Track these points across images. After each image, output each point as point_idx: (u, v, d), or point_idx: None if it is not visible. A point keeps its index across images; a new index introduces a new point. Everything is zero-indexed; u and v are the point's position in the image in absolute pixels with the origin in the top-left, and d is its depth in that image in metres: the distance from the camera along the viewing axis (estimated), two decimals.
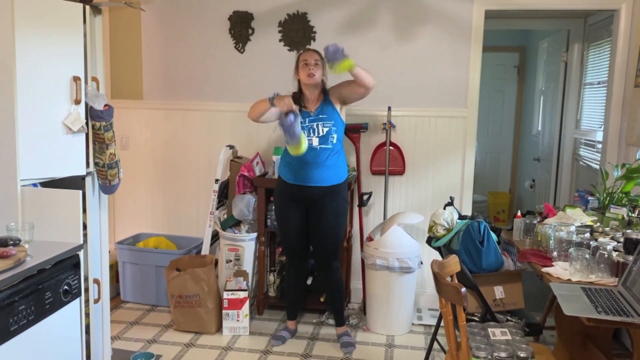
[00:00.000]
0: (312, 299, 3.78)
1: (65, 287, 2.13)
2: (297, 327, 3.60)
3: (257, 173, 3.82)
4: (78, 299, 2.24)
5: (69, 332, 2.20)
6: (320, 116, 3.20)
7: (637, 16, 3.50)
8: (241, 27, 3.97)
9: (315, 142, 3.17)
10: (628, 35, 3.59)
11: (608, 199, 3.00)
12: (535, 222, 2.87)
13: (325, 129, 3.19)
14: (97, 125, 2.52)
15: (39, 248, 2.09)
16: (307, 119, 3.19)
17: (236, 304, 3.50)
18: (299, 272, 3.51)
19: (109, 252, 2.99)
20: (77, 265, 2.23)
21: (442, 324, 2.58)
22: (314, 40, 3.90)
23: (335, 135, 3.21)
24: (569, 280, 2.28)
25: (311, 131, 3.18)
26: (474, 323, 2.46)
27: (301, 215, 3.32)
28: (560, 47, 4.89)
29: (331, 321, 3.69)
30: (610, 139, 3.69)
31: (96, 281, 2.67)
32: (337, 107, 3.25)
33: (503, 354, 2.11)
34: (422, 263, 3.64)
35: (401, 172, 3.91)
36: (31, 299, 1.94)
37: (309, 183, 3.20)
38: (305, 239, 3.39)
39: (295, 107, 3.02)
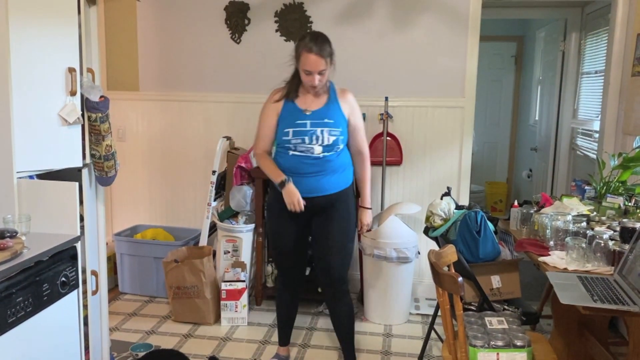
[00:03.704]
0: (309, 290, 3.77)
1: (63, 278, 2.13)
2: (290, 353, 3.17)
3: (254, 164, 3.81)
4: (76, 291, 2.24)
5: (67, 323, 2.21)
6: (326, 120, 2.66)
7: (634, 5, 3.49)
8: (237, 17, 3.95)
9: (318, 150, 2.64)
10: (625, 24, 3.58)
11: (605, 188, 3.01)
12: (532, 211, 2.88)
13: (332, 138, 2.65)
14: (93, 117, 2.51)
15: (36, 240, 2.09)
16: (308, 121, 2.65)
17: (234, 295, 3.51)
18: (293, 297, 3.01)
19: (107, 243, 2.99)
20: (74, 257, 2.22)
21: (439, 313, 2.59)
22: (311, 30, 3.88)
23: (341, 145, 2.72)
24: (565, 269, 2.29)
25: (314, 138, 2.64)
26: (471, 312, 2.47)
27: (300, 229, 2.82)
28: (558, 37, 4.89)
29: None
30: (607, 128, 3.70)
31: (94, 273, 2.67)
32: (346, 112, 2.74)
33: (500, 343, 2.12)
34: (419, 253, 3.65)
35: (398, 163, 3.91)
36: (29, 290, 1.94)
37: (311, 194, 2.69)
38: (302, 257, 2.94)
39: (302, 208, 2.63)
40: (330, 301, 2.92)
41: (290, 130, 2.67)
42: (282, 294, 3.02)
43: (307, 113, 2.68)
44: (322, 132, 2.65)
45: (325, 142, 2.65)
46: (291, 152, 2.68)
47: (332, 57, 2.65)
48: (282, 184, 2.66)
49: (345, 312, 2.91)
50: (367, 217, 2.92)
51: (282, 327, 3.10)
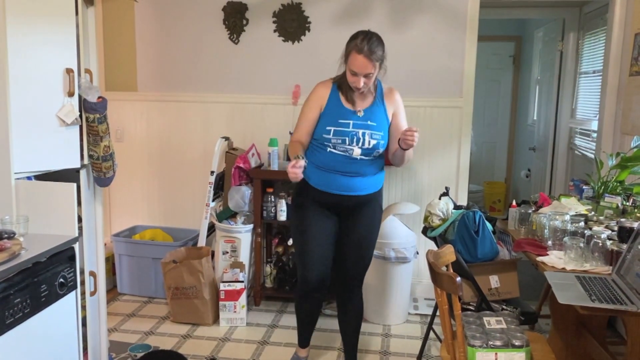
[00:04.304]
0: None
1: (61, 279, 2.13)
2: (310, 353, 3.07)
3: (253, 164, 3.81)
4: (74, 292, 2.24)
5: (66, 324, 2.21)
6: (369, 122, 2.58)
7: (632, 5, 3.49)
8: (235, 17, 3.95)
9: (357, 152, 2.56)
10: (623, 23, 3.58)
11: (603, 187, 3.01)
12: (530, 211, 2.88)
13: (373, 142, 2.56)
14: (91, 118, 2.51)
15: (33, 241, 2.09)
16: (351, 122, 2.57)
17: (233, 295, 3.51)
18: (315, 296, 2.81)
19: (105, 244, 2.99)
20: (72, 258, 2.22)
21: (438, 313, 2.59)
22: (309, 30, 3.89)
23: (381, 150, 2.62)
24: (563, 269, 2.29)
25: (355, 140, 2.55)
26: (469, 312, 2.47)
27: (328, 221, 2.71)
28: (556, 36, 4.89)
29: (329, 312, 3.70)
30: (605, 128, 3.70)
31: (92, 274, 2.67)
32: (389, 114, 2.66)
33: (498, 343, 2.12)
34: (418, 253, 3.65)
35: None
36: (27, 292, 1.93)
37: (342, 192, 2.62)
38: (330, 251, 2.74)
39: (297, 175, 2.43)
40: (342, 300, 2.87)
41: (332, 128, 2.58)
42: (303, 294, 2.81)
43: (360, 114, 2.59)
44: (363, 134, 2.56)
45: (366, 145, 2.56)
46: (329, 149, 2.60)
47: (383, 61, 2.54)
48: (296, 157, 2.47)
49: (356, 313, 2.88)
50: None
51: (302, 329, 2.96)
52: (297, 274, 2.87)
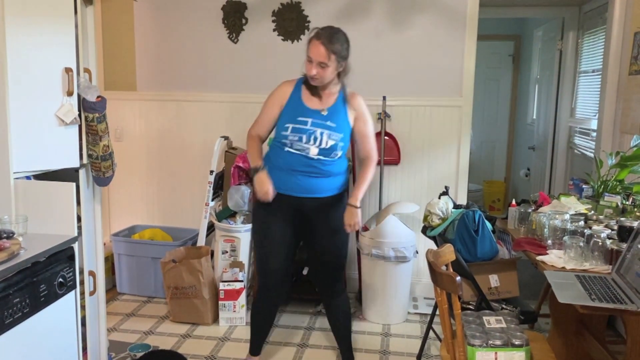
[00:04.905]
0: (307, 289, 3.76)
1: (60, 279, 2.13)
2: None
3: None
4: (73, 292, 2.23)
5: (65, 324, 2.20)
6: (328, 123, 2.57)
7: (632, 4, 3.49)
8: (234, 16, 3.95)
9: (314, 152, 2.55)
10: (622, 22, 3.58)
11: (602, 187, 3.01)
12: (529, 210, 2.88)
13: (331, 142, 2.56)
14: (90, 117, 2.51)
15: (33, 241, 2.09)
16: (310, 120, 2.57)
17: (232, 295, 3.51)
18: (274, 303, 2.88)
19: (105, 244, 2.98)
20: (71, 257, 2.22)
21: (437, 312, 2.59)
22: (308, 29, 3.88)
23: (340, 152, 2.62)
24: (563, 268, 2.29)
25: (312, 139, 2.55)
26: (469, 312, 2.47)
27: (290, 228, 2.71)
28: (555, 35, 4.89)
29: None
30: (605, 127, 3.70)
31: (91, 273, 2.67)
32: (351, 118, 2.65)
33: (498, 342, 2.12)
34: (417, 252, 3.65)
35: (396, 162, 3.91)
36: (26, 291, 1.93)
37: (301, 194, 2.62)
38: (289, 259, 2.78)
39: (271, 198, 2.55)
40: (327, 301, 2.90)
41: (290, 125, 2.58)
42: (261, 300, 2.84)
43: (324, 113, 2.59)
44: (321, 134, 2.55)
45: (323, 145, 2.56)
46: (286, 149, 2.59)
47: (341, 58, 2.54)
48: (256, 170, 2.60)
49: (342, 311, 2.89)
50: (352, 216, 2.65)
51: (256, 335, 2.96)
52: (258, 279, 2.89)
